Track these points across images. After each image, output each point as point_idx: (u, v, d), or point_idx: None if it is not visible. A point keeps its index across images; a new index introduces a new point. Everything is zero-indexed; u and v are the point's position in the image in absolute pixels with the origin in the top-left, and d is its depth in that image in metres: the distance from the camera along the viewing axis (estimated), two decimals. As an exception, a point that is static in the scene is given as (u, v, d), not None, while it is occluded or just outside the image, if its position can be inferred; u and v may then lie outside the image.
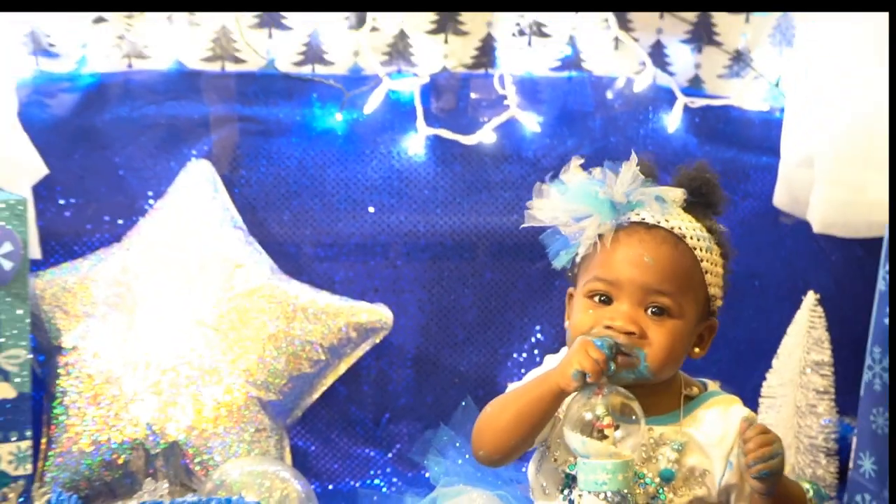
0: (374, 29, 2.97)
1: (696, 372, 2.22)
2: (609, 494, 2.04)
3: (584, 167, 2.14)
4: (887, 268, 2.67)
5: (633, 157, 2.12)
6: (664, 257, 2.09)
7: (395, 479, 2.88)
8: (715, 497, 2.13)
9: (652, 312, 2.08)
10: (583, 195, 2.12)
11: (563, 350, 2.16)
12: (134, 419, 2.65)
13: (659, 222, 2.11)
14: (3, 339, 2.50)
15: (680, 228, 2.11)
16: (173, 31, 2.90)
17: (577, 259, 2.16)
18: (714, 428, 2.12)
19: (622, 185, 2.10)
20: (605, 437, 2.00)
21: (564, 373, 2.03)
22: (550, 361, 2.19)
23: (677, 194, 2.14)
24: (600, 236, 2.10)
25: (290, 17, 2.93)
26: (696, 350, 2.17)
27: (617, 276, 2.09)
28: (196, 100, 2.92)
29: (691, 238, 2.11)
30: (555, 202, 2.13)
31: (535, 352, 2.98)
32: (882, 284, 2.68)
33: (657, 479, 2.11)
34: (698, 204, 2.17)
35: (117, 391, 2.66)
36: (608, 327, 2.07)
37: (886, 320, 2.65)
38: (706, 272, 2.12)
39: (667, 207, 2.12)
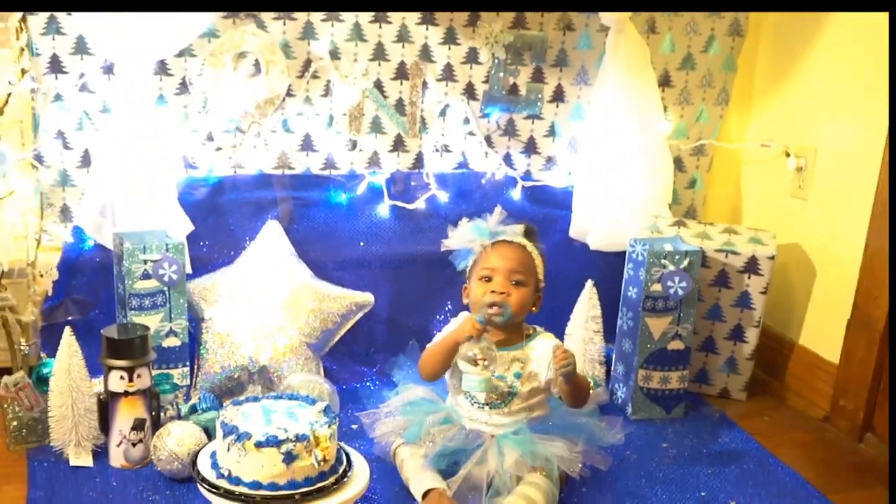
0: (360, 150, 2.95)
1: (532, 321, 2.29)
2: (480, 390, 2.17)
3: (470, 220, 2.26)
4: (629, 265, 2.71)
5: (498, 208, 2.27)
6: (518, 256, 2.22)
7: (377, 383, 2.83)
8: (543, 385, 2.20)
9: (514, 283, 2.19)
10: (474, 228, 2.25)
11: (462, 314, 2.25)
12: (242, 355, 2.65)
13: (513, 240, 2.22)
14: (173, 315, 2.52)
15: (523, 243, 2.22)
16: (256, 153, 2.87)
17: (469, 266, 2.25)
18: (541, 350, 2.21)
19: (493, 222, 2.24)
20: (478, 363, 2.12)
21: (462, 332, 2.15)
22: (454, 321, 2.28)
23: (519, 228, 2.25)
24: (483, 247, 2.20)
25: (318, 144, 2.90)
26: (534, 308, 2.25)
27: (494, 265, 2.20)
28: (270, 189, 2.89)
29: (529, 248, 2.23)
30: (460, 233, 2.27)
31: (449, 315, 2.93)
32: (626, 274, 2.73)
33: (512, 377, 2.18)
34: (528, 236, 2.25)
35: (234, 340, 2.66)
36: (493, 291, 2.17)
37: (629, 293, 2.71)
38: (537, 267, 2.21)
39: (515, 233, 2.23)
